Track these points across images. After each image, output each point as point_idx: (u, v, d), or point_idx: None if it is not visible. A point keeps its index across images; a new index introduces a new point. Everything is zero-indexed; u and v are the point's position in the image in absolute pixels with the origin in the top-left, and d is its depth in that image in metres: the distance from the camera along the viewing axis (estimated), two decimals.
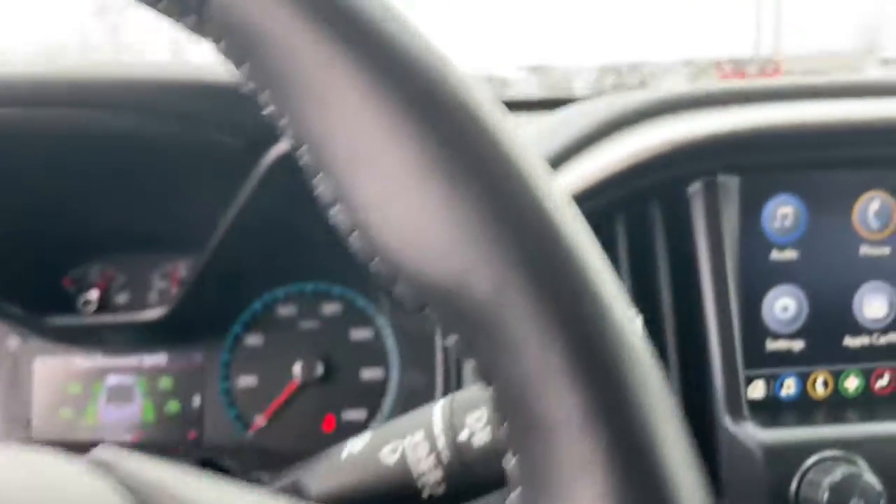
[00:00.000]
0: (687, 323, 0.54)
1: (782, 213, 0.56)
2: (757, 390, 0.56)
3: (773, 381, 0.57)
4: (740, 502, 0.52)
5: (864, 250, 0.57)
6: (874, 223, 0.57)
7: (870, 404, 0.57)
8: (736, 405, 0.52)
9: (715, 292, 0.53)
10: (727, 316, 0.53)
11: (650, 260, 0.54)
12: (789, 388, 0.57)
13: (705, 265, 0.53)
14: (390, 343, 0.69)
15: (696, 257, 0.54)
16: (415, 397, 0.67)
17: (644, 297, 0.54)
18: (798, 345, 0.57)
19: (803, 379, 0.57)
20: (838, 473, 0.48)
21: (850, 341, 0.57)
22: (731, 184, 0.55)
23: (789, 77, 0.60)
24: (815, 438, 0.51)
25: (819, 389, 0.57)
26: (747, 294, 0.56)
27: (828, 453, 0.50)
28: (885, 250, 0.57)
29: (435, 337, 0.60)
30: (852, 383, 0.57)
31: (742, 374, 0.54)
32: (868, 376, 0.57)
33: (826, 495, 0.48)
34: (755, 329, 0.56)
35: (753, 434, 0.51)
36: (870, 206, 0.57)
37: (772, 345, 0.56)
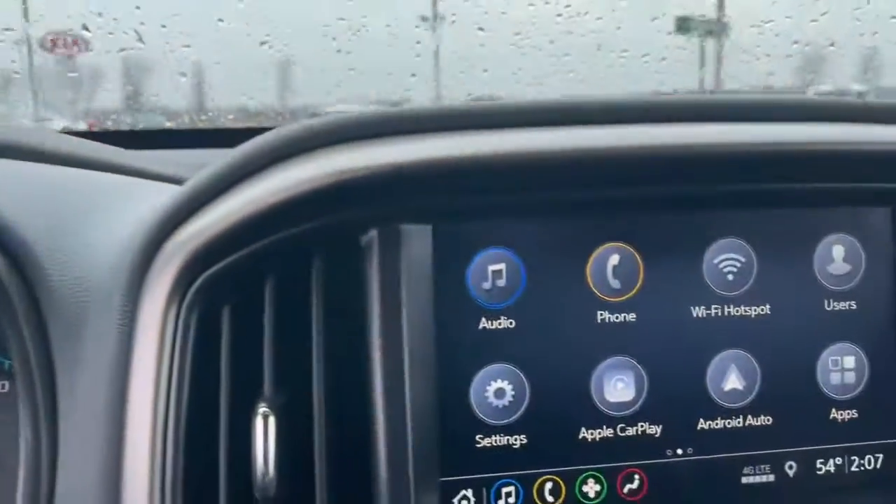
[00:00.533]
0: (349, 420, 0.40)
1: (494, 271, 0.44)
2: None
3: (487, 490, 0.43)
4: None
5: (602, 317, 0.45)
6: (614, 283, 0.45)
7: None
8: None
9: (384, 376, 0.40)
10: (398, 407, 0.40)
11: (304, 334, 0.41)
12: (509, 497, 0.44)
13: (376, 340, 0.40)
14: None
15: (369, 329, 0.41)
16: None
17: (295, 392, 0.40)
18: (519, 441, 0.44)
19: (527, 486, 0.44)
20: None
21: (588, 434, 0.45)
22: (420, 234, 0.42)
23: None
24: None
25: (548, 498, 0.44)
26: (448, 377, 0.43)
27: None
28: (630, 316, 0.45)
29: None
30: (592, 488, 0.45)
31: (438, 483, 0.41)
32: (612, 479, 0.45)
33: None
34: (461, 422, 0.43)
35: None
36: (608, 262, 0.45)
37: (484, 441, 0.43)
